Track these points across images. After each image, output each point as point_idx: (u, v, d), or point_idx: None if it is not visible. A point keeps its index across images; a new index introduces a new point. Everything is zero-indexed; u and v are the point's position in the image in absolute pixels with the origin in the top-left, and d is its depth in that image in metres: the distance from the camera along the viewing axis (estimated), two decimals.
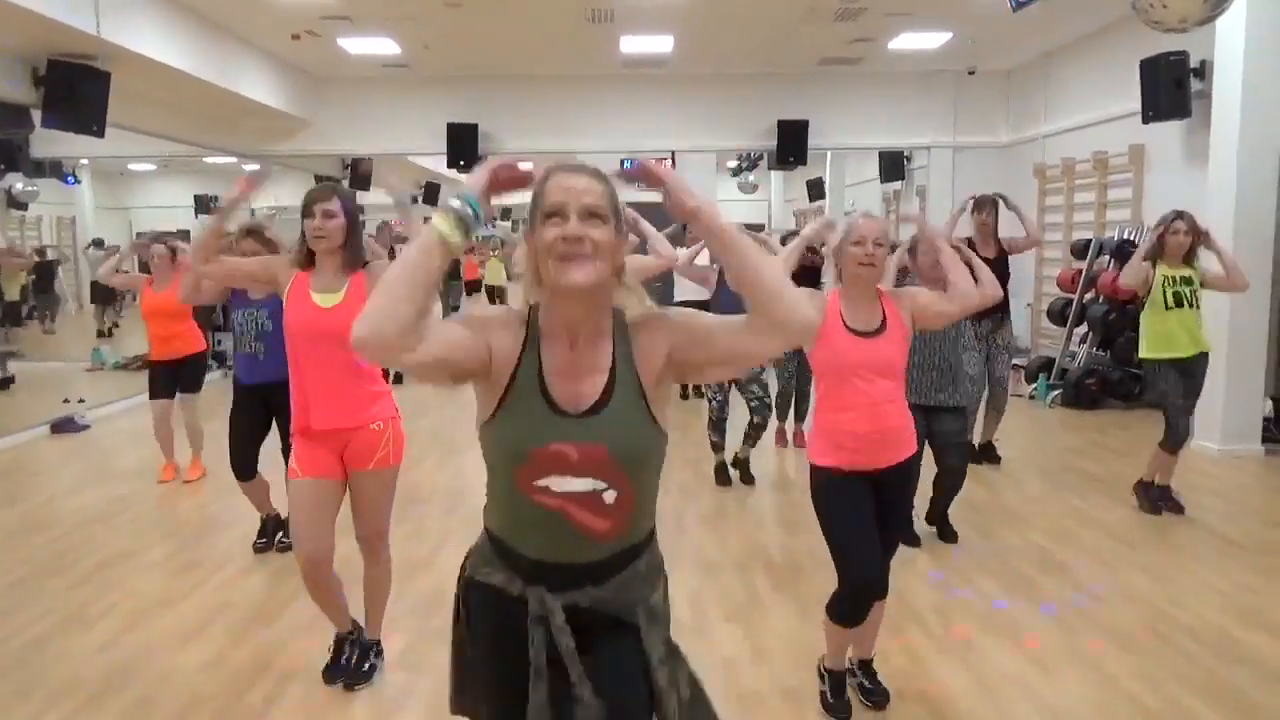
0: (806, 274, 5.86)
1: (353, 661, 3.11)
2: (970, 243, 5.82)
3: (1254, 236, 6.07)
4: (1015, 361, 8.99)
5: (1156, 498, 4.96)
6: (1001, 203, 5.96)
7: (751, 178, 18.50)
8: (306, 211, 2.79)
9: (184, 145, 10.37)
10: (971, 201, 6.02)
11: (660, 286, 8.25)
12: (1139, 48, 7.59)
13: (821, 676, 2.95)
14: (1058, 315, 8.64)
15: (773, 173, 21.22)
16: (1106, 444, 6.61)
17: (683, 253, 5.60)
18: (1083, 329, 8.31)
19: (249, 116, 9.95)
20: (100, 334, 12.70)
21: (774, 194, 21.79)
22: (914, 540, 4.46)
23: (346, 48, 9.24)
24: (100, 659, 3.30)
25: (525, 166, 1.45)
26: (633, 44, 9.32)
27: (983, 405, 5.97)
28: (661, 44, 9.37)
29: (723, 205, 21.87)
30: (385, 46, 9.28)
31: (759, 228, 12.81)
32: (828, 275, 5.14)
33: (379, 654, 3.18)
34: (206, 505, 5.14)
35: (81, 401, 7.86)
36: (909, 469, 2.75)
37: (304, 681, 3.10)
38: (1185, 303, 4.74)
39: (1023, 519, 4.93)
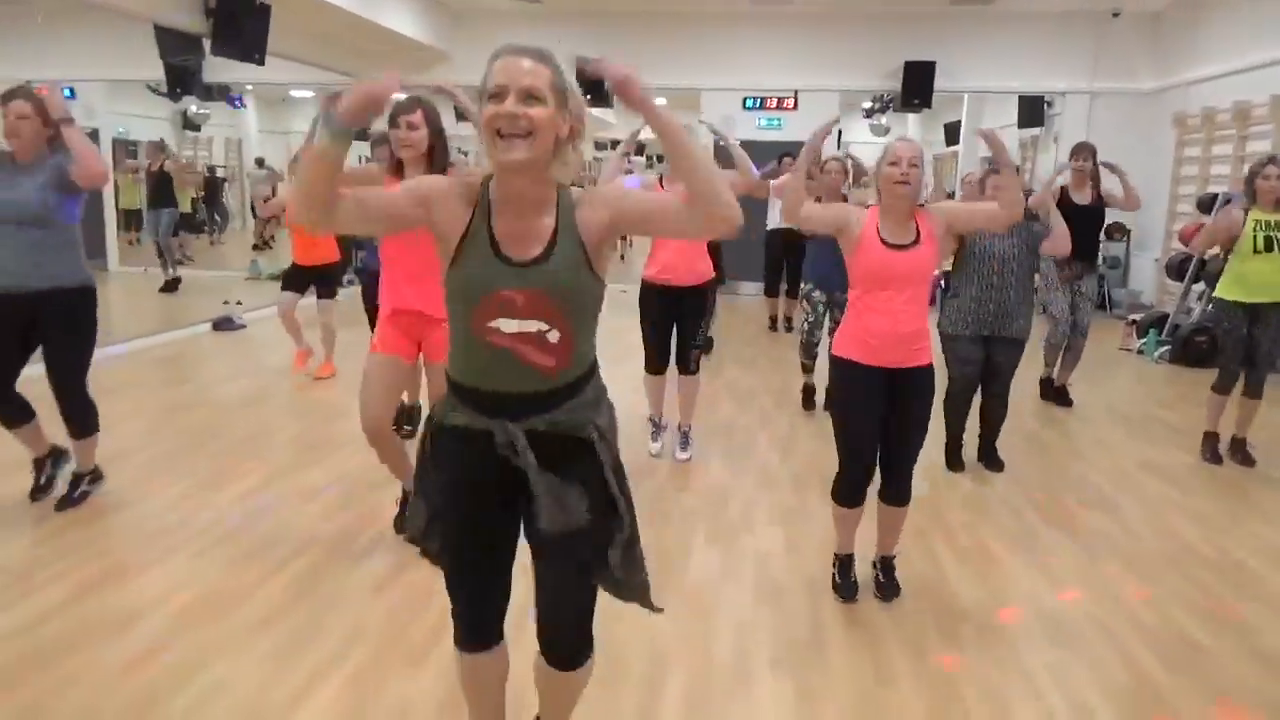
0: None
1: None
2: (1065, 190, 5.85)
3: None
4: (1133, 317, 8.83)
5: (1232, 450, 4.99)
6: (1106, 168, 5.86)
7: (884, 120, 18.12)
8: (393, 123, 3.21)
9: (337, 74, 11.17)
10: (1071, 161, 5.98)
11: (754, 212, 8.50)
12: None
13: (834, 562, 3.31)
14: (1175, 270, 8.39)
15: (910, 116, 20.78)
16: (1200, 399, 6.50)
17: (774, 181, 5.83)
18: (1200, 285, 8.06)
19: (392, 47, 10.62)
20: (257, 246, 13.93)
21: (911, 137, 21.24)
22: (959, 465, 4.71)
23: None
24: (237, 507, 3.98)
25: (388, 85, 1.62)
26: None
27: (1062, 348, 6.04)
28: None
29: (856, 147, 21.57)
30: None
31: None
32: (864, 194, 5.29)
33: None
34: (334, 398, 5.85)
35: (239, 304, 8.80)
36: (924, 376, 3.03)
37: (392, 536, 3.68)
38: (1276, 246, 4.68)
39: (1083, 458, 5.06)
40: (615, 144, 20.69)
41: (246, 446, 4.85)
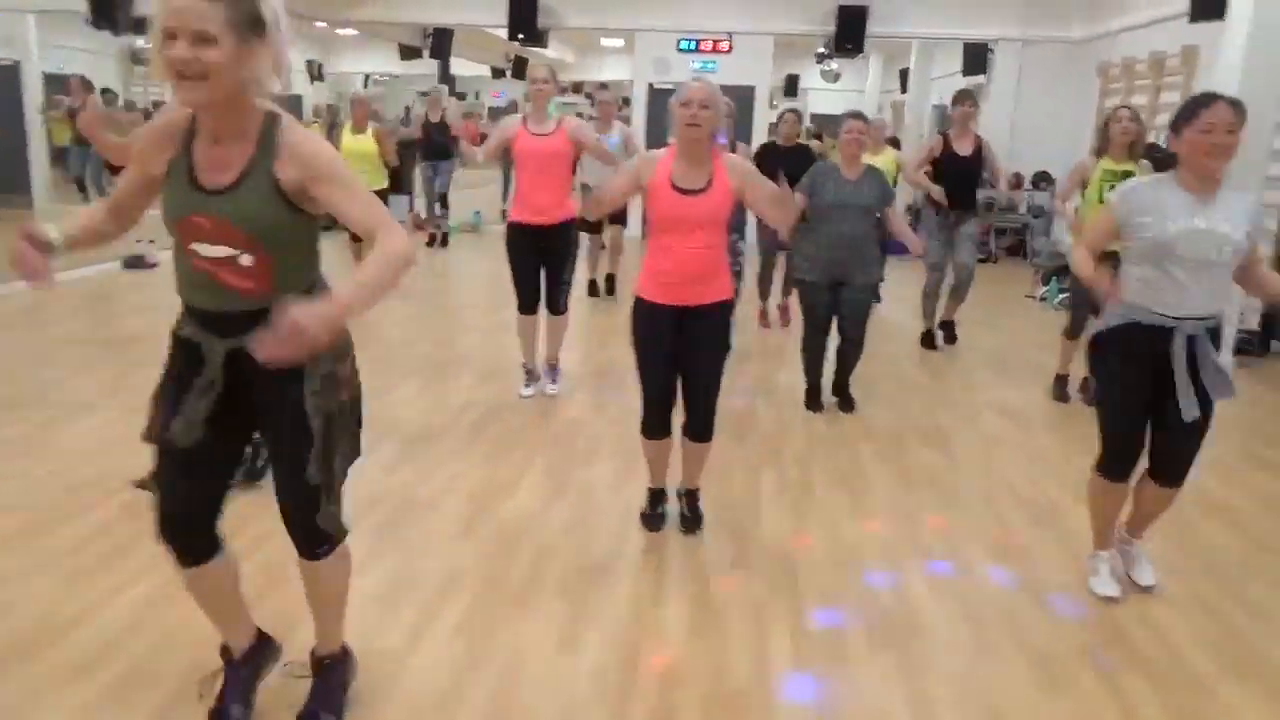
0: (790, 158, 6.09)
1: None
2: (946, 137, 5.95)
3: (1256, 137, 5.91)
4: (1037, 262, 8.98)
5: (1082, 387, 5.19)
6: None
7: (834, 65, 18.04)
8: None
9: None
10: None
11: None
12: None
13: (646, 495, 3.46)
14: None
15: (870, 63, 20.65)
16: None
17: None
18: None
19: None
20: None
21: (870, 84, 21.15)
22: (817, 406, 4.87)
23: None
24: None
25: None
26: None
27: (946, 288, 6.19)
28: None
29: (814, 94, 21.36)
30: None
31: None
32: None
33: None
34: None
35: (152, 242, 8.76)
36: (714, 312, 3.13)
37: None
38: None
39: (943, 399, 5.24)
40: (579, 87, 20.31)
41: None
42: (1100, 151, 4.89)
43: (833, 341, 4.86)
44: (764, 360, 5.91)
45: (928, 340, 6.40)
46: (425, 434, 4.29)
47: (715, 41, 11.33)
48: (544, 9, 11.05)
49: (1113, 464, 2.93)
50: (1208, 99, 2.69)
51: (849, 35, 10.76)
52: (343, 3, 11.41)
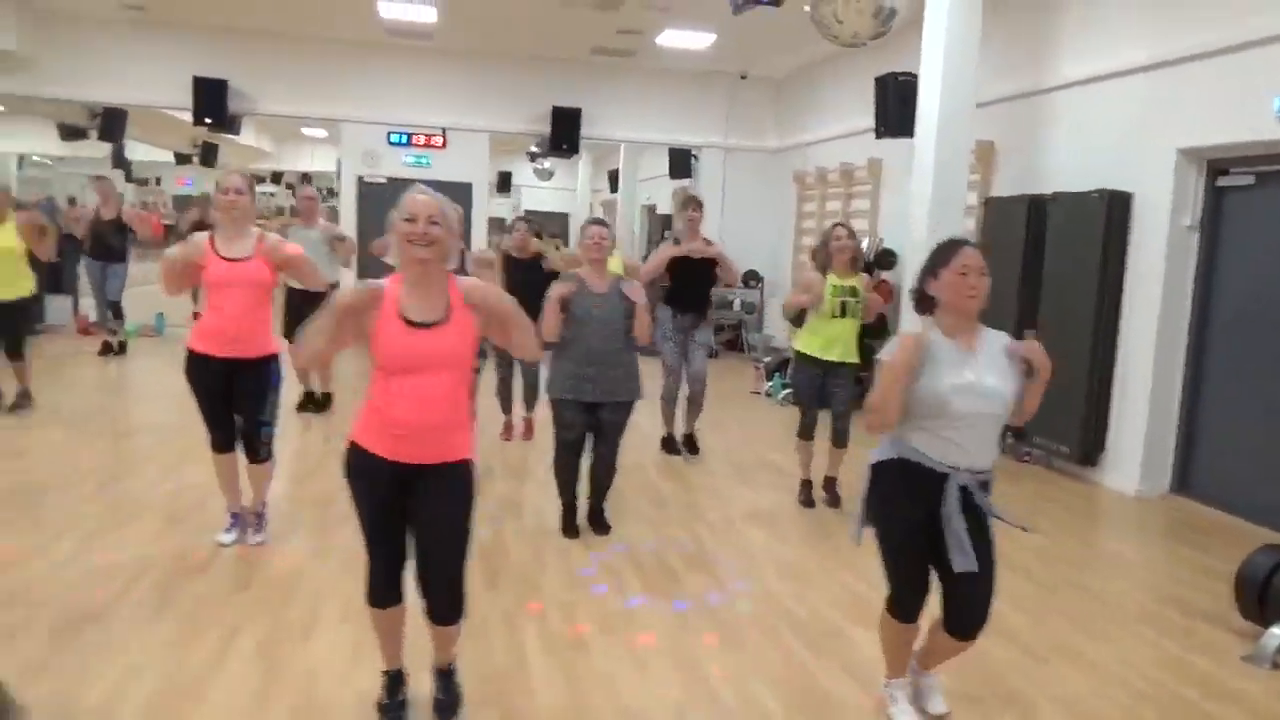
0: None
1: None
2: (676, 240, 5.91)
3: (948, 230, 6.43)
4: (764, 360, 9.29)
5: (824, 486, 5.19)
6: (705, 243, 5.96)
7: (548, 164, 18.31)
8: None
9: None
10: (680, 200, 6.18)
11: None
12: (879, 66, 7.92)
13: (382, 680, 2.76)
14: (797, 320, 8.91)
15: (580, 163, 21.21)
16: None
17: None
18: None
19: None
20: None
21: (580, 183, 21.72)
22: (573, 531, 4.45)
23: None
24: None
25: None
26: (392, 10, 8.89)
27: (682, 398, 6.08)
28: (424, 14, 8.99)
29: (527, 191, 21.60)
30: None
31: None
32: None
33: None
34: None
35: None
36: (455, 472, 2.55)
37: None
38: (849, 313, 4.93)
39: (695, 511, 5.01)
40: (278, 177, 19.10)
41: None
42: (824, 268, 5.00)
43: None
44: (508, 478, 5.39)
45: (668, 445, 6.22)
46: (85, 614, 3.30)
47: (429, 136, 10.93)
48: (235, 93, 10.11)
49: (899, 607, 2.73)
50: (956, 244, 2.67)
51: (564, 136, 10.83)
52: None
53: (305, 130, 17.95)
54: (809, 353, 5.02)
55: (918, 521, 2.62)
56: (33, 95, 10.19)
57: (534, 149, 18.18)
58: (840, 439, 5.08)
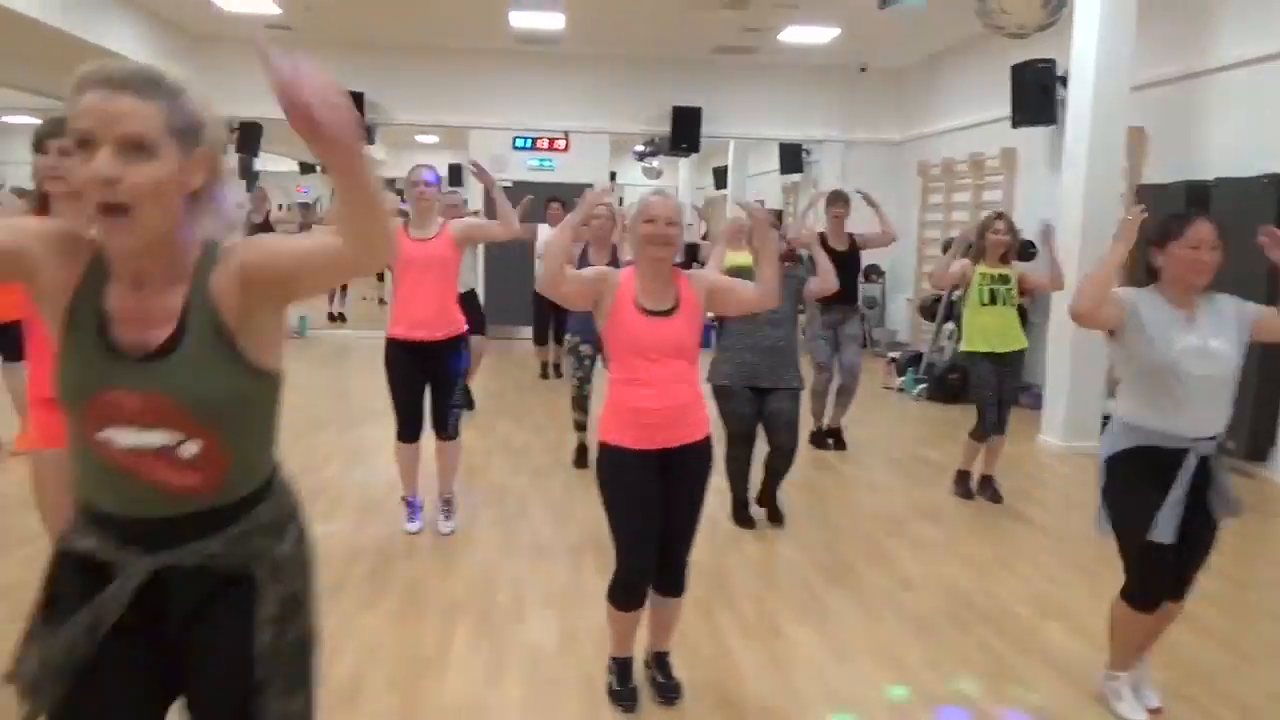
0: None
1: None
2: (824, 236, 5.95)
3: (1098, 239, 6.29)
4: (892, 355, 9.23)
5: (979, 487, 5.16)
6: (863, 198, 6.09)
7: (656, 163, 18.47)
8: (40, 147, 2.29)
9: (59, 100, 9.78)
10: (823, 198, 6.22)
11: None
12: (1014, 54, 7.78)
13: (610, 667, 2.92)
14: (927, 310, 8.85)
15: (680, 160, 21.33)
16: (957, 436, 6.79)
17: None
18: (950, 325, 8.53)
19: None
20: None
21: (681, 181, 21.84)
22: (748, 522, 4.53)
23: (221, 4, 8.83)
24: None
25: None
26: (523, 19, 9.15)
27: (833, 392, 6.12)
28: (553, 21, 9.23)
29: (629, 189, 21.83)
30: (263, 5, 8.91)
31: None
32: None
33: None
34: None
35: None
36: (700, 450, 2.71)
37: None
38: (1000, 300, 4.91)
39: (859, 506, 5.04)
40: (391, 184, 19.67)
41: None
42: (976, 258, 4.98)
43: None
44: None
45: (817, 439, 6.26)
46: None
47: (552, 139, 11.19)
48: (370, 104, 10.53)
49: (1142, 596, 2.73)
50: (1191, 215, 2.65)
51: (684, 135, 10.93)
52: None
53: (419, 137, 18.53)
54: (983, 350, 4.98)
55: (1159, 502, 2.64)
56: None
57: (639, 148, 18.51)
58: (1000, 426, 5.04)
